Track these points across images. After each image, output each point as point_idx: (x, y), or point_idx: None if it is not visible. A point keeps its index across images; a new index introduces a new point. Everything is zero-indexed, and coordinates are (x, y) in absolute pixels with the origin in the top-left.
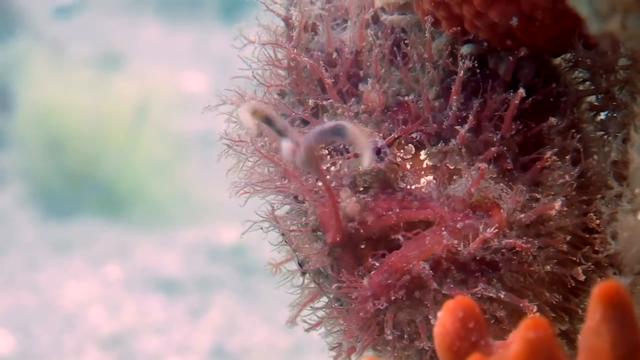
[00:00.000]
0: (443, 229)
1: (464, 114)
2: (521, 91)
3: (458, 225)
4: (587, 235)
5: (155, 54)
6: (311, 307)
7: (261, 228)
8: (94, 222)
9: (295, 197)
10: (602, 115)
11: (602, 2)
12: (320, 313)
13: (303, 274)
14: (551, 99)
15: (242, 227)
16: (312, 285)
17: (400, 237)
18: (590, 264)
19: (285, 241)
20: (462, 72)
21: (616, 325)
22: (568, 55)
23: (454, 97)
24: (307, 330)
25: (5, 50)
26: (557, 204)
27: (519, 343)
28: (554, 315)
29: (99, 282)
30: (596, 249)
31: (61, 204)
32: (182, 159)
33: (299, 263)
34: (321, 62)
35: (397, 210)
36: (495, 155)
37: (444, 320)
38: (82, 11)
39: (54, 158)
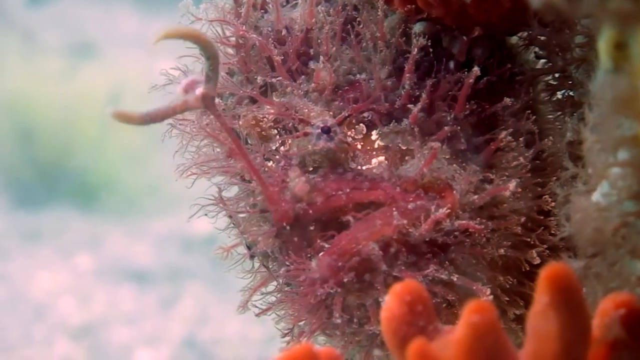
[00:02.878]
0: (394, 209)
1: (417, 94)
2: (476, 70)
3: (409, 207)
4: (542, 218)
5: (130, 42)
6: (262, 292)
7: (206, 214)
8: (65, 212)
9: (243, 177)
10: (559, 95)
11: None
12: (272, 298)
13: (252, 257)
14: (506, 80)
15: (214, 217)
16: (263, 269)
17: (350, 218)
18: (545, 247)
19: (233, 224)
20: (415, 50)
21: (564, 309)
22: (524, 34)
23: (407, 75)
24: (258, 315)
25: None
26: (511, 185)
27: (462, 327)
28: (507, 299)
29: (69, 272)
30: (552, 232)
31: (32, 194)
32: (155, 149)
33: (247, 246)
34: (270, 40)
35: (347, 190)
36: (448, 135)
37: (391, 304)
38: (56, 0)
39: (25, 147)
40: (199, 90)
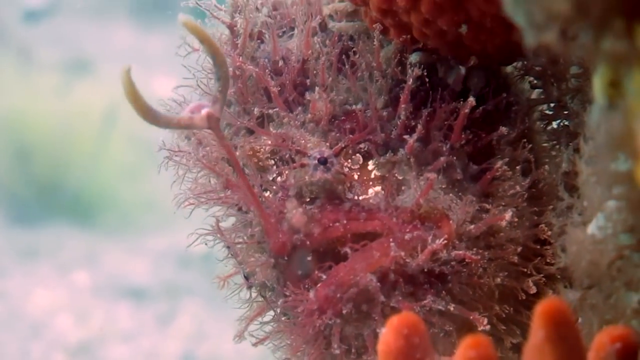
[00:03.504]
0: (391, 240)
1: (413, 124)
2: (471, 100)
3: (406, 237)
4: (539, 247)
5: (126, 59)
6: (259, 321)
7: (205, 243)
8: (62, 229)
9: (240, 208)
10: (555, 125)
11: (538, 12)
12: (268, 327)
13: (250, 287)
14: (502, 109)
15: (209, 243)
16: (260, 299)
17: (347, 249)
18: (541, 276)
19: (231, 254)
20: (410, 80)
21: (560, 344)
22: (519, 64)
23: (403, 105)
24: (255, 344)
25: None
26: (508, 215)
27: None
28: (504, 327)
29: (67, 289)
30: (548, 260)
31: (28, 211)
32: (151, 166)
33: (245, 276)
34: (267, 71)
35: (345, 221)
36: (444, 165)
37: (388, 337)
38: (52, 16)
39: (21, 164)
40: (205, 110)
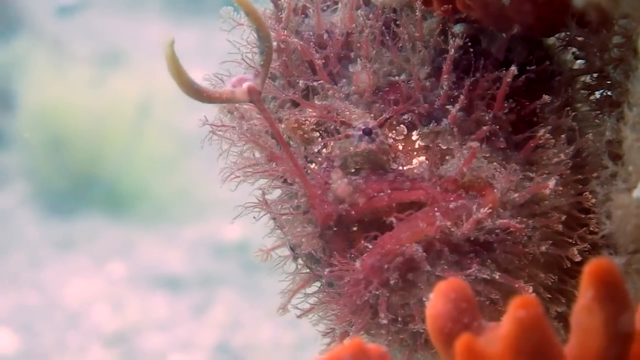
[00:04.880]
0: (436, 209)
1: (456, 94)
2: (513, 69)
3: (451, 206)
4: (583, 216)
5: (159, 51)
6: (303, 293)
7: (254, 217)
8: (97, 220)
9: (285, 180)
10: (597, 95)
11: None
12: (312, 300)
13: (295, 258)
14: (545, 78)
15: (245, 223)
16: (305, 270)
17: (392, 219)
18: (586, 244)
19: (277, 226)
20: (452, 50)
21: (608, 303)
22: (562, 35)
23: (445, 76)
24: (299, 316)
25: (7, 50)
26: (551, 183)
27: (509, 322)
28: (549, 296)
29: (103, 279)
30: (592, 229)
31: (64, 203)
32: (185, 156)
33: (290, 247)
34: (311, 44)
35: (389, 191)
36: (487, 134)
37: (436, 302)
38: (85, 10)
39: (56, 157)
40: (247, 84)
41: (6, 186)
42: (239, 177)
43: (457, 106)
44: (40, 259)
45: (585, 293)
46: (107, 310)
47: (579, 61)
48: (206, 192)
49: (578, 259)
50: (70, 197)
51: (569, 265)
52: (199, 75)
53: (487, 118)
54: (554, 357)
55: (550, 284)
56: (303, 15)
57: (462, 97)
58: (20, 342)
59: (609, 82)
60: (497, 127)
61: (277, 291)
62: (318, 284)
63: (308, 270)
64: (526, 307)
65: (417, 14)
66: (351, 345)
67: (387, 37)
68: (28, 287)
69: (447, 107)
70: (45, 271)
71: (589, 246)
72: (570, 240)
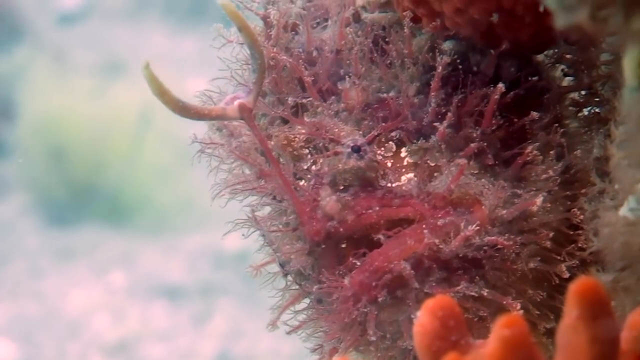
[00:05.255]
0: (424, 226)
1: (444, 110)
2: (500, 85)
3: (439, 223)
4: (572, 232)
5: (160, 60)
6: (292, 310)
7: (243, 235)
8: (98, 229)
9: (274, 197)
10: (586, 112)
11: None
12: (302, 316)
13: (285, 275)
14: (534, 95)
15: (246, 236)
16: (295, 287)
17: (381, 236)
18: (574, 261)
19: (267, 242)
20: (440, 67)
21: (593, 322)
22: (550, 52)
23: (433, 93)
24: (288, 333)
25: (9, 59)
26: (539, 200)
27: (494, 341)
28: (538, 312)
29: (103, 289)
30: (580, 245)
31: (65, 212)
32: (186, 166)
33: (280, 264)
34: (301, 61)
35: (377, 208)
36: (476, 151)
37: (423, 319)
38: (86, 19)
39: (57, 166)
40: (238, 101)
41: (7, 196)
42: (229, 194)
43: (445, 123)
44: (40, 269)
45: (570, 312)
46: (108, 320)
47: (568, 78)
48: (207, 201)
49: (566, 275)
50: (71, 207)
51: (558, 282)
52: (201, 84)
53: (475, 135)
54: None
55: (539, 300)
56: (293, 32)
57: (449, 114)
58: (20, 352)
59: (597, 99)
60: (485, 143)
61: (277, 301)
62: (308, 300)
63: (298, 287)
64: (511, 326)
65: (405, 30)
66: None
67: (376, 54)
68: (28, 297)
69: (436, 123)
70: (45, 281)
71: (577, 263)
72: (559, 257)
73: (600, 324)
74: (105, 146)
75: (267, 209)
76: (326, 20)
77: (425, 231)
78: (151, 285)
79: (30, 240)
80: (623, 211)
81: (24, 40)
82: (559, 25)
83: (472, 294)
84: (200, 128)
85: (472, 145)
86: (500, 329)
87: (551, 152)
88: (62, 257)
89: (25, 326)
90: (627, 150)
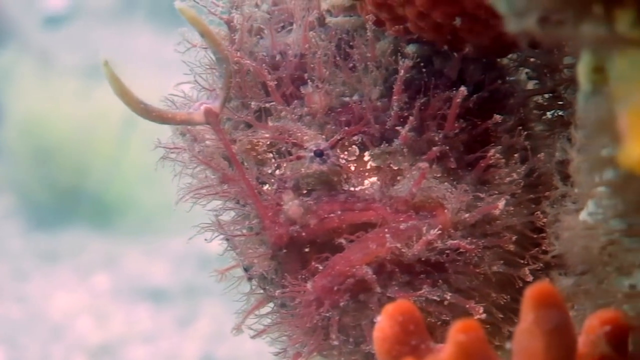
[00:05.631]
0: (386, 230)
1: (407, 114)
2: (462, 89)
3: (401, 227)
4: (536, 235)
5: (145, 62)
6: (257, 314)
7: (205, 239)
8: (82, 232)
9: (238, 201)
10: (549, 115)
11: None
12: (266, 320)
13: (249, 279)
14: (498, 98)
15: (212, 241)
16: (259, 291)
17: (343, 240)
18: (539, 264)
19: (230, 247)
20: (402, 71)
21: (549, 327)
22: (514, 55)
23: (395, 97)
24: (253, 337)
25: None
26: (501, 204)
27: (450, 346)
28: (502, 316)
29: (87, 292)
30: (544, 248)
31: (49, 215)
32: (170, 168)
33: (244, 268)
34: (264, 66)
35: (340, 212)
36: (438, 154)
37: (383, 324)
38: (72, 21)
39: (41, 168)
40: (205, 106)
41: None
42: (193, 198)
43: (407, 127)
44: (24, 271)
45: (526, 316)
46: (91, 322)
47: (532, 81)
48: (191, 204)
49: (530, 279)
50: (55, 210)
51: (522, 285)
52: (187, 85)
53: (438, 138)
54: None
55: (502, 303)
56: (258, 37)
57: (411, 117)
58: (4, 355)
59: (560, 102)
60: (448, 147)
61: (242, 306)
62: (272, 304)
63: (262, 291)
64: (467, 330)
65: (368, 34)
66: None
67: (340, 58)
68: (12, 299)
69: (398, 127)
70: (29, 284)
71: (541, 266)
72: (523, 261)
73: (555, 329)
74: (90, 148)
75: (231, 213)
76: (292, 24)
77: (388, 235)
78: (135, 288)
79: (14, 243)
80: (583, 215)
81: (9, 42)
82: (510, 30)
83: (435, 298)
84: (166, 132)
85: (435, 149)
86: (455, 333)
87: (515, 155)
88: (45, 259)
89: (8, 329)
90: (586, 154)
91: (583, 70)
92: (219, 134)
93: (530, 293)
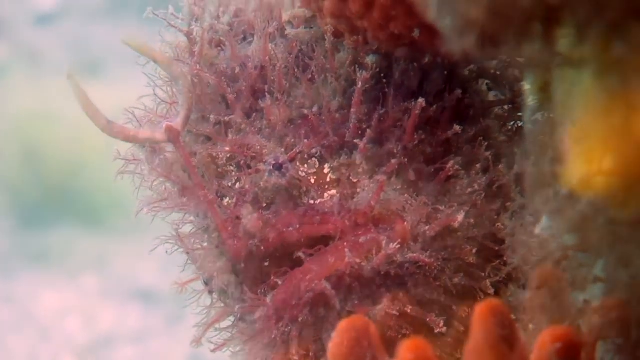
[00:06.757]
0: (345, 244)
1: (365, 126)
2: (421, 100)
3: (360, 240)
4: (497, 247)
5: (136, 61)
6: (216, 328)
7: (166, 251)
8: (72, 232)
9: (198, 214)
10: (509, 126)
11: (459, 17)
12: (227, 334)
13: (210, 293)
14: (460, 109)
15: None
16: (220, 305)
17: (301, 254)
18: (500, 276)
19: (190, 260)
20: (360, 82)
21: (499, 346)
22: (474, 67)
23: (354, 109)
24: (213, 351)
25: None
26: (460, 216)
27: None
28: (464, 329)
29: (76, 292)
30: (505, 260)
31: (38, 214)
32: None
33: (204, 282)
34: (224, 78)
35: (298, 226)
36: (397, 167)
37: (338, 341)
38: (63, 19)
39: (31, 167)
40: (166, 123)
41: None
42: (151, 211)
43: (365, 139)
44: (12, 271)
45: (475, 334)
46: (80, 322)
47: (492, 92)
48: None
49: (491, 291)
50: (45, 209)
51: (483, 298)
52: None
53: (396, 150)
54: None
55: (464, 316)
56: (219, 48)
57: (369, 130)
58: None
59: (519, 113)
60: (407, 159)
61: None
62: (233, 318)
63: (222, 305)
64: (414, 350)
65: (327, 45)
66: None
67: (299, 69)
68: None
69: (357, 140)
70: (17, 283)
71: (504, 277)
72: (484, 272)
73: (506, 347)
74: (80, 147)
75: (190, 227)
76: (252, 35)
77: (347, 250)
78: (124, 288)
79: (3, 242)
80: (537, 229)
81: (1, 39)
82: (450, 50)
83: (395, 311)
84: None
85: (393, 161)
86: (404, 352)
87: (477, 165)
88: (34, 259)
89: None
90: (537, 168)
91: (529, 89)
92: (180, 150)
93: (479, 310)
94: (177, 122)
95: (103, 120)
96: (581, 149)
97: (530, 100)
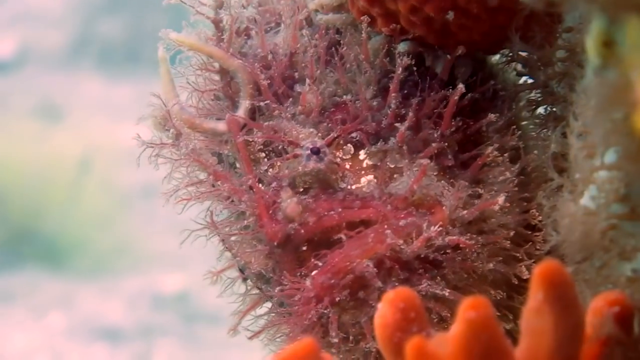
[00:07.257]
0: (386, 227)
1: (402, 113)
2: (461, 87)
3: (401, 224)
4: (530, 233)
5: (96, 107)
6: (253, 315)
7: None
8: (37, 274)
9: (232, 200)
10: (542, 110)
11: None
12: (262, 321)
13: (244, 280)
14: (489, 97)
15: (185, 275)
16: (255, 292)
17: (342, 236)
18: (533, 261)
19: (226, 248)
20: (400, 69)
21: (558, 305)
22: (506, 51)
23: (393, 94)
24: (250, 338)
25: None
26: (500, 199)
27: (459, 323)
28: (498, 313)
29: (43, 332)
30: (538, 247)
31: (3, 256)
32: (124, 211)
33: (239, 269)
34: (256, 64)
35: (339, 210)
36: (435, 152)
37: (384, 311)
38: (21, 67)
39: None
40: (227, 116)
41: None
42: (185, 199)
43: (406, 124)
44: None
45: (535, 295)
46: None
47: (523, 78)
48: (145, 245)
49: (526, 275)
50: (10, 251)
51: (517, 282)
52: (134, 131)
53: (434, 136)
54: (504, 358)
55: (498, 300)
56: (246, 37)
57: (410, 115)
58: None
59: (552, 97)
60: (445, 144)
61: (217, 342)
62: (268, 305)
63: (258, 291)
64: (476, 308)
65: (362, 35)
66: (306, 346)
67: (333, 58)
68: None
69: (395, 125)
70: None
71: (535, 262)
72: (518, 257)
73: (565, 307)
74: (45, 191)
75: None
76: (278, 25)
77: (388, 232)
78: (91, 327)
79: None
80: (584, 200)
81: None
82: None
83: (434, 293)
84: (143, 169)
85: (433, 145)
86: (465, 311)
87: (506, 154)
88: (0, 299)
89: None
90: (587, 139)
91: (592, 44)
92: (238, 144)
93: (539, 271)
94: (239, 114)
95: (176, 105)
96: None
97: (593, 56)
